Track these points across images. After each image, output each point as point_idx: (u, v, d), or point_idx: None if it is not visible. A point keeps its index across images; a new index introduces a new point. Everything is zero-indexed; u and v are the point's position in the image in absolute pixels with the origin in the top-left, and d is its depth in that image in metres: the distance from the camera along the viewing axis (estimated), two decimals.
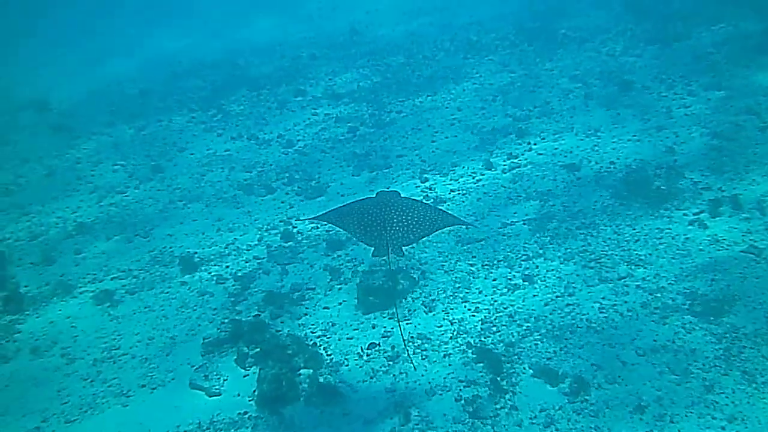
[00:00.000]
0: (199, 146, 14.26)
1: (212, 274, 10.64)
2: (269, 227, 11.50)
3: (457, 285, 9.58)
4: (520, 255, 9.94)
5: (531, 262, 9.79)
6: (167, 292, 10.40)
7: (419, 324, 9.01)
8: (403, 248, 6.97)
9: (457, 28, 18.09)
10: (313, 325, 9.33)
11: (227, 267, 10.73)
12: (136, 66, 19.21)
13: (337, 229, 10.23)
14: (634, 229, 10.08)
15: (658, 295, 8.82)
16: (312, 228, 11.33)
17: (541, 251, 9.96)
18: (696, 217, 10.07)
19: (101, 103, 17.03)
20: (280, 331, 9.23)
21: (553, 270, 9.59)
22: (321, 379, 8.10)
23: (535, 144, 12.51)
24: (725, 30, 15.52)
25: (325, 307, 9.61)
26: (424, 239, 9.36)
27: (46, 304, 10.52)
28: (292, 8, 21.49)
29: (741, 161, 11.02)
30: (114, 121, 15.93)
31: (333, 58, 17.45)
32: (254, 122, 14.79)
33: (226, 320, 9.57)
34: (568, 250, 9.88)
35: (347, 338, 9.00)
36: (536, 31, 17.01)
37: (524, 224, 10.59)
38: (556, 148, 12.28)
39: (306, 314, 9.55)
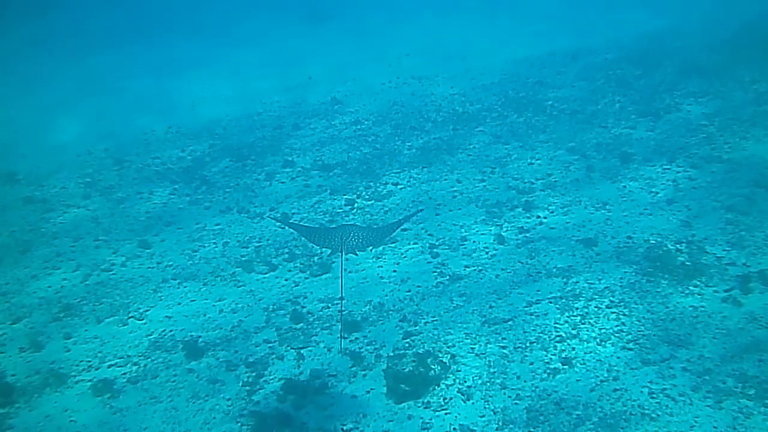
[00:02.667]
0: (187, 220, 13.53)
1: (220, 359, 9.87)
2: (275, 307, 10.83)
3: (492, 370, 9.03)
4: (553, 336, 9.48)
5: (566, 343, 9.32)
6: (174, 381, 9.58)
7: (459, 414, 8.42)
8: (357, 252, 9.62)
9: (441, 99, 17.85)
10: (341, 416, 8.60)
11: (236, 352, 9.97)
12: (105, 133, 18.33)
13: (351, 309, 9.74)
14: (667, 308, 9.71)
15: (707, 377, 8.38)
16: (323, 308, 10.71)
17: (574, 332, 9.49)
18: (728, 294, 9.80)
19: (73, 174, 16.12)
20: (306, 423, 8.44)
21: (591, 352, 9.14)
22: None
23: (545, 218, 12.16)
24: (714, 102, 15.62)
25: (352, 396, 8.89)
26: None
27: (39, 396, 9.60)
28: (268, 79, 20.98)
29: (760, 235, 10.87)
30: (90, 193, 15.07)
31: (317, 128, 16.99)
32: (243, 194, 14.13)
33: (244, 412, 8.74)
34: (603, 331, 9.43)
35: (383, 430, 8.29)
36: (523, 102, 16.88)
37: (550, 303, 10.11)
38: (567, 222, 11.96)
39: (332, 404, 8.80)
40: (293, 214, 13.11)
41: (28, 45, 26.60)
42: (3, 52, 26.14)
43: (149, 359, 10.03)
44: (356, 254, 10.66)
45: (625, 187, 12.79)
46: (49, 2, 29.81)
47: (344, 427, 8.49)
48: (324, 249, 9.77)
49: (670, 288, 10.07)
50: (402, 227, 11.87)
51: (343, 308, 10.59)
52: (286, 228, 12.52)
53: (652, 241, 11.10)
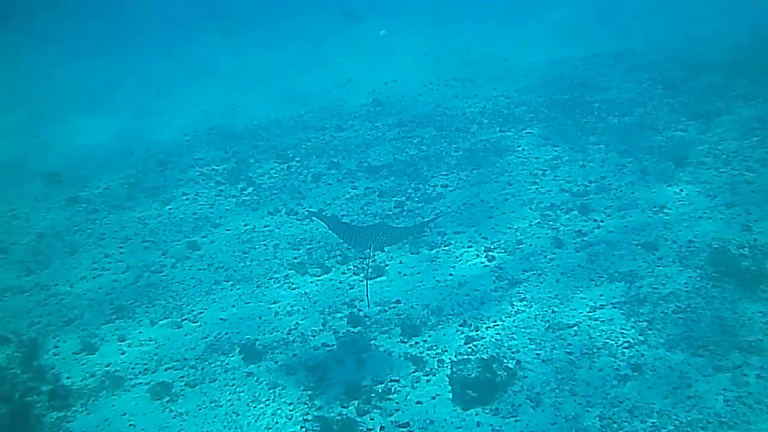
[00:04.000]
0: (235, 222, 13.40)
1: (279, 363, 9.70)
2: (332, 310, 10.64)
3: (560, 376, 8.80)
4: (620, 342, 9.24)
5: (634, 349, 9.07)
6: (233, 385, 9.43)
7: (530, 421, 8.21)
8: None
9: (485, 101, 17.65)
10: (408, 423, 8.40)
11: (294, 355, 9.80)
12: (146, 134, 18.25)
13: (409, 313, 9.56)
14: (736, 313, 9.45)
15: None
16: (379, 312, 10.50)
17: (641, 338, 9.25)
18: None
19: (116, 174, 16.03)
20: (372, 429, 8.27)
21: (660, 358, 8.88)
22: None
23: (602, 221, 11.91)
24: (764, 105, 15.34)
25: (417, 402, 8.69)
26: None
27: (96, 399, 9.46)
28: (307, 80, 20.85)
29: None
30: (134, 194, 14.96)
31: (360, 129, 16.82)
32: (290, 196, 13.99)
33: (308, 417, 8.57)
34: (671, 336, 9.18)
35: None
36: (569, 104, 16.64)
37: (614, 308, 9.88)
38: (625, 226, 11.73)
39: (397, 410, 8.62)
40: (343, 216, 12.89)
41: (65, 45, 26.56)
42: (40, 51, 26.16)
43: (206, 362, 9.89)
44: (383, 250, 11.05)
45: (681, 190, 12.53)
46: (92, 3, 29.85)
47: None
48: (362, 248, 9.91)
49: (737, 293, 9.84)
50: (458, 233, 11.72)
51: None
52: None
53: (714, 246, 10.82)
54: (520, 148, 14.78)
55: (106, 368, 10.00)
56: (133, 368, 9.95)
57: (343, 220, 12.40)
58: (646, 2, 24.77)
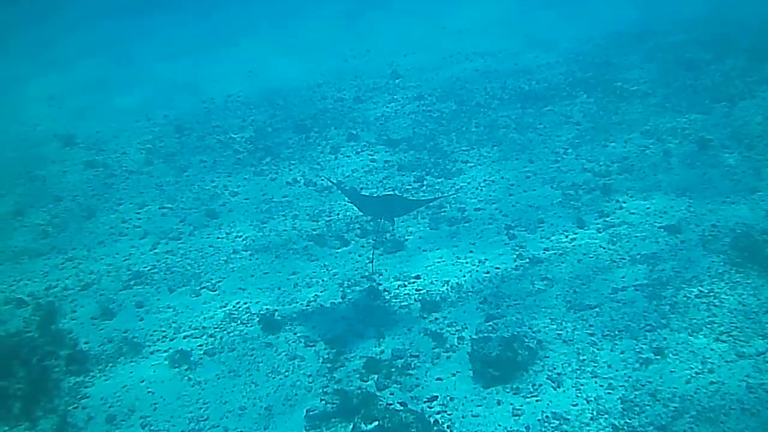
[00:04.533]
0: (253, 191, 13.34)
1: (298, 335, 9.69)
2: (351, 283, 10.61)
3: (582, 357, 8.77)
4: (642, 325, 9.20)
5: (656, 333, 9.06)
6: (252, 355, 9.42)
7: (551, 402, 8.20)
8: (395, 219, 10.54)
9: (505, 76, 17.48)
10: (428, 398, 8.36)
11: (314, 327, 9.77)
12: (163, 98, 18.14)
13: (429, 288, 9.50)
14: (759, 299, 9.38)
15: None
16: (399, 286, 10.45)
17: (664, 321, 9.20)
18: None
19: (133, 140, 15.93)
20: (392, 404, 8.24)
21: (683, 343, 8.85)
22: None
23: (624, 203, 11.82)
24: None
25: (438, 379, 8.68)
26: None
27: (113, 365, 9.45)
28: (323, 49, 20.64)
29: None
30: (152, 160, 14.89)
31: (379, 102, 16.67)
32: (308, 167, 13.91)
33: (326, 389, 8.55)
34: (694, 321, 9.14)
35: (472, 416, 8.10)
36: (591, 83, 16.47)
37: (637, 290, 9.82)
38: (648, 208, 11.63)
39: (417, 385, 8.59)
40: (361, 188, 12.80)
41: (85, 10, 26.33)
42: (64, 17, 25.94)
43: (225, 332, 9.86)
44: (392, 222, 10.93)
45: (705, 173, 12.43)
46: None
47: (431, 409, 8.23)
48: (385, 221, 10.52)
49: (760, 279, 9.76)
50: (478, 209, 11.89)
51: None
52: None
53: (738, 231, 10.74)
54: (541, 126, 14.65)
55: (124, 334, 9.98)
56: (151, 335, 9.94)
57: (363, 193, 12.35)
58: None
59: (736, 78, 16.03)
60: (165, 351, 9.60)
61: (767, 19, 19.51)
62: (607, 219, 11.47)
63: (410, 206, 11.01)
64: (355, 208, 11.03)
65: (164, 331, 9.99)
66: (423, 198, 12.50)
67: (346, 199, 11.80)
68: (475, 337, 9.25)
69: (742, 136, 13.48)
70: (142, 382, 9.12)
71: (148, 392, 8.95)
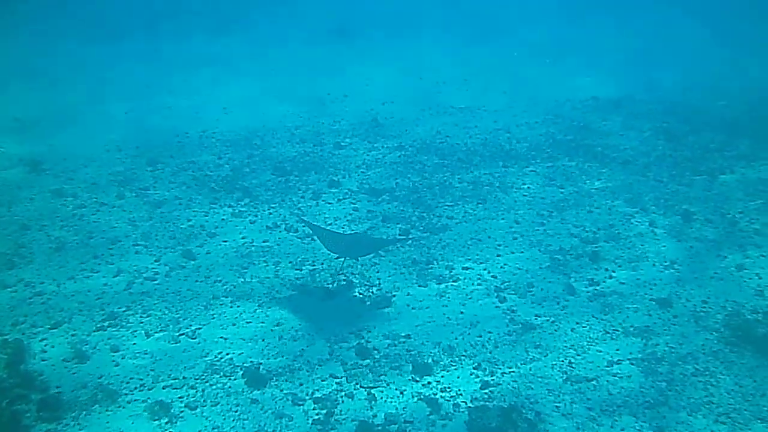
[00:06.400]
0: (232, 233, 12.91)
1: (285, 391, 9.25)
2: (339, 339, 10.24)
3: None
4: (640, 402, 9.02)
5: (655, 410, 8.89)
6: (236, 411, 8.95)
7: None
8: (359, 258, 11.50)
9: (485, 133, 17.45)
10: None
11: (301, 384, 9.35)
12: (133, 130, 17.56)
13: (420, 350, 9.21)
14: (755, 381, 9.34)
15: None
16: (389, 345, 10.14)
17: (662, 398, 9.05)
18: None
19: (103, 170, 15.36)
20: None
21: (683, 422, 8.73)
22: None
23: (613, 272, 11.71)
24: (766, 168, 15.31)
25: None
26: None
27: (88, 413, 8.87)
28: (299, 90, 20.40)
29: None
30: (124, 193, 14.31)
31: (359, 149, 16.45)
32: (288, 212, 13.51)
33: None
34: (692, 400, 9.02)
35: None
36: (572, 146, 16.55)
37: (632, 364, 9.66)
38: (638, 279, 11.59)
39: None
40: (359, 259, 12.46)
41: (50, 36, 25.65)
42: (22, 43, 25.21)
43: (207, 383, 9.38)
44: (357, 260, 11.71)
45: (691, 247, 12.47)
46: None
47: None
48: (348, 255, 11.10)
49: (755, 360, 9.73)
50: (466, 269, 11.94)
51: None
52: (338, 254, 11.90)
53: (729, 309, 10.73)
54: (525, 186, 14.55)
55: (99, 380, 9.43)
56: (128, 383, 9.39)
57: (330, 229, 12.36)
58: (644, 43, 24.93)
59: (715, 151, 16.34)
60: (143, 401, 9.06)
61: (740, 91, 19.90)
62: (597, 287, 11.37)
63: (376, 245, 11.56)
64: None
65: (141, 379, 9.45)
66: (388, 238, 12.70)
67: (315, 236, 11.85)
68: (470, 405, 8.91)
69: (724, 212, 13.54)
70: None
71: None
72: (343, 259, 11.15)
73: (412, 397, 9.17)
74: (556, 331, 10.41)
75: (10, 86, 20.20)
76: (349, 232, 12.82)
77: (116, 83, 21.04)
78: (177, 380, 9.45)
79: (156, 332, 10.35)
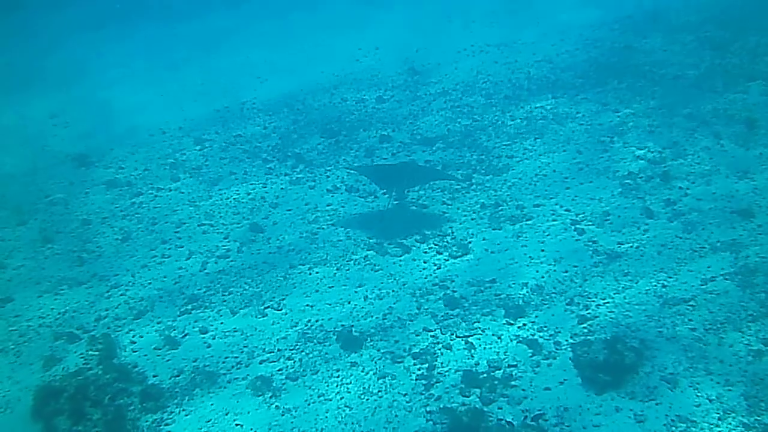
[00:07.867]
0: (294, 201, 12.78)
1: (382, 351, 9.16)
2: (423, 292, 10.07)
3: (690, 354, 8.35)
4: (743, 316, 8.80)
5: (760, 323, 8.65)
6: (338, 376, 8.89)
7: (672, 404, 7.76)
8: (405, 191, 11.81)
9: (527, 66, 17.06)
10: (540, 410, 7.90)
11: (397, 342, 9.25)
12: (172, 111, 17.37)
13: (508, 292, 9.06)
14: None
15: None
16: (475, 292, 10.01)
17: (764, 310, 8.85)
18: None
19: (152, 154, 15.26)
20: (502, 419, 7.77)
21: None
22: None
23: (688, 189, 11.44)
24: None
25: (545, 388, 8.20)
26: None
27: (190, 398, 8.85)
28: (329, 49, 20.03)
29: None
30: (178, 175, 14.20)
31: (402, 100, 16.18)
32: (346, 173, 13.30)
33: (426, 408, 8.05)
34: None
35: (593, 426, 7.63)
36: (618, 68, 16.14)
37: (726, 279, 9.45)
38: (713, 193, 11.33)
39: (525, 397, 8.13)
40: (408, 192, 12.28)
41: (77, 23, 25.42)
42: (55, 30, 25.01)
43: (303, 353, 9.33)
44: (406, 193, 11.98)
45: (761, 154, 12.12)
46: None
47: (547, 422, 7.78)
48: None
49: None
50: (537, 206, 11.81)
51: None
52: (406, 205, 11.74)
53: None
54: (579, 115, 14.27)
55: (194, 363, 9.42)
56: (224, 362, 9.38)
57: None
58: None
59: (765, 55, 15.81)
60: (243, 378, 9.02)
61: None
62: (675, 207, 11.12)
63: (425, 175, 12.04)
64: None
65: (237, 357, 9.42)
66: (436, 168, 13.03)
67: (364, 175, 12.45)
68: (571, 341, 8.76)
69: None
70: (227, 414, 8.54)
71: (236, 425, 8.44)
72: (392, 193, 11.58)
73: (511, 340, 9.06)
74: (642, 256, 10.22)
75: (44, 82, 19.98)
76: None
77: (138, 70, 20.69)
78: (272, 353, 9.41)
79: (241, 309, 10.30)
